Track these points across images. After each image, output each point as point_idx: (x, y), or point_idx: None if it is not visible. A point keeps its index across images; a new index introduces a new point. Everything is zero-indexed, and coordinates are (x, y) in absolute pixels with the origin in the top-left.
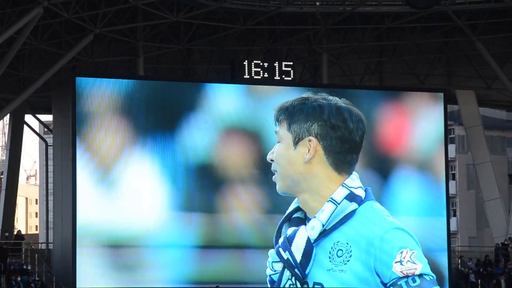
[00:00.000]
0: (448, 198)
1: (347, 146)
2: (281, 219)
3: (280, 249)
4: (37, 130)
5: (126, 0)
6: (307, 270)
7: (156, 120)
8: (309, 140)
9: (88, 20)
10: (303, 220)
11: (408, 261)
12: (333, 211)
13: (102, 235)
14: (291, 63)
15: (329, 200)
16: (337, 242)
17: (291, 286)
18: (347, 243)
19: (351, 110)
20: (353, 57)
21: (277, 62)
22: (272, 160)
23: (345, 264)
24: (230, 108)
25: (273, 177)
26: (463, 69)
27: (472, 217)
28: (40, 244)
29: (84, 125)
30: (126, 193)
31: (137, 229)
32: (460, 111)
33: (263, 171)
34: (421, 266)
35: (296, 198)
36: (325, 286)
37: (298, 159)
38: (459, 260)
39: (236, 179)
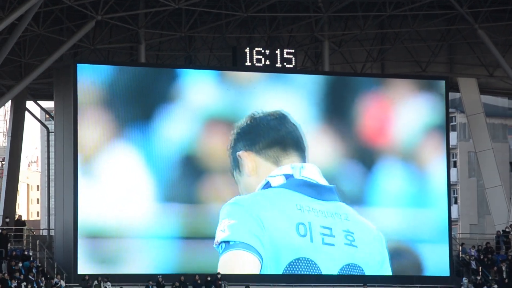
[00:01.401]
0: (450, 185)
1: (261, 145)
2: None
3: None
4: (39, 117)
5: None
6: None
7: (137, 110)
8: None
9: (90, 7)
10: None
11: (221, 230)
12: None
13: (84, 226)
14: (293, 51)
15: None
16: None
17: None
18: None
19: (255, 117)
20: (355, 45)
21: (278, 50)
22: None
23: None
24: (210, 98)
25: None
26: (465, 56)
27: (473, 205)
28: (41, 230)
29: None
30: (108, 184)
31: (119, 220)
32: (462, 99)
33: None
34: (228, 234)
35: None
36: None
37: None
38: (460, 247)
39: (218, 169)
